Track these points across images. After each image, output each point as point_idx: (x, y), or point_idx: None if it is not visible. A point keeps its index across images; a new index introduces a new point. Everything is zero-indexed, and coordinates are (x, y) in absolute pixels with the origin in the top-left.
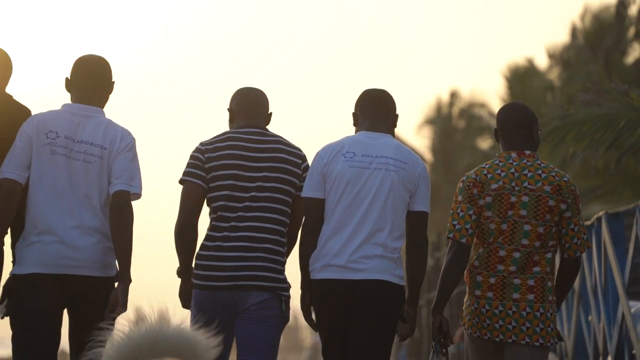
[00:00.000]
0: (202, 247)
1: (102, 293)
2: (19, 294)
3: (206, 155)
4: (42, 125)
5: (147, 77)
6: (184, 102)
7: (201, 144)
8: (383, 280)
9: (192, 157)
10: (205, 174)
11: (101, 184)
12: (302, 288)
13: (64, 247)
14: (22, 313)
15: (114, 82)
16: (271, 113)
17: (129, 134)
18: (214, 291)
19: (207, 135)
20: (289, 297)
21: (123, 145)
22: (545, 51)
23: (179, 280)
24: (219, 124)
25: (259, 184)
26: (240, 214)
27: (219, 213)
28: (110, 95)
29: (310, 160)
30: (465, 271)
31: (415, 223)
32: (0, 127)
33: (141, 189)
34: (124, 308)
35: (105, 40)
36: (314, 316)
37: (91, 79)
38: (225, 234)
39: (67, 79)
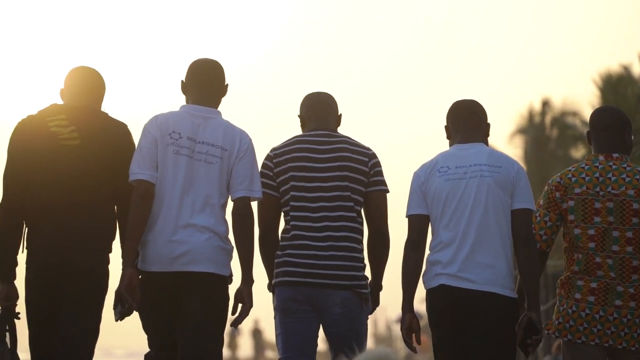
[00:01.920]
0: (281, 247)
1: (215, 289)
2: (145, 290)
3: (274, 161)
4: (165, 126)
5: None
6: (267, 106)
7: (271, 150)
8: (493, 293)
9: (263, 165)
10: (276, 180)
11: (221, 185)
12: (402, 309)
13: (177, 246)
14: (145, 306)
15: (227, 84)
16: (341, 115)
17: (247, 135)
18: (297, 287)
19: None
20: (368, 293)
21: (243, 148)
22: (638, 58)
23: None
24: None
25: (327, 184)
26: (313, 214)
27: (293, 214)
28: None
29: (381, 160)
30: (563, 277)
31: (518, 221)
32: (100, 143)
33: (261, 191)
34: (249, 308)
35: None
36: (414, 338)
37: (207, 82)
38: (302, 233)
39: (182, 81)
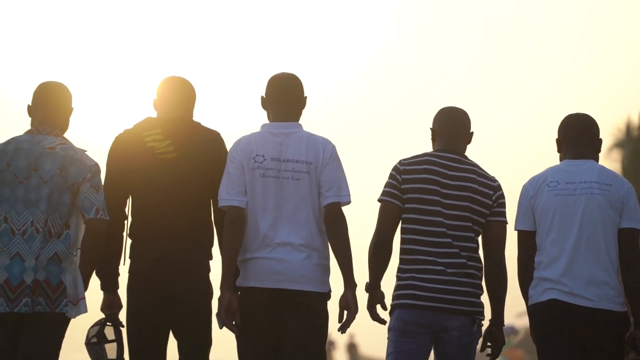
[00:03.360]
0: (402, 269)
1: (315, 307)
2: (243, 304)
3: (403, 176)
4: (248, 150)
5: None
6: (374, 120)
7: (400, 162)
8: (608, 310)
9: (390, 176)
10: (401, 194)
11: (313, 198)
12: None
13: (275, 263)
14: (243, 323)
15: (306, 97)
16: (472, 132)
17: (329, 142)
18: (420, 310)
19: (402, 154)
20: (483, 319)
21: (327, 156)
22: None
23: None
24: (413, 141)
25: (449, 211)
26: (433, 238)
27: (413, 236)
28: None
29: (505, 189)
30: None
31: (625, 241)
32: (195, 154)
33: (350, 195)
34: (354, 312)
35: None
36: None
37: (286, 96)
38: (425, 257)
39: (262, 97)
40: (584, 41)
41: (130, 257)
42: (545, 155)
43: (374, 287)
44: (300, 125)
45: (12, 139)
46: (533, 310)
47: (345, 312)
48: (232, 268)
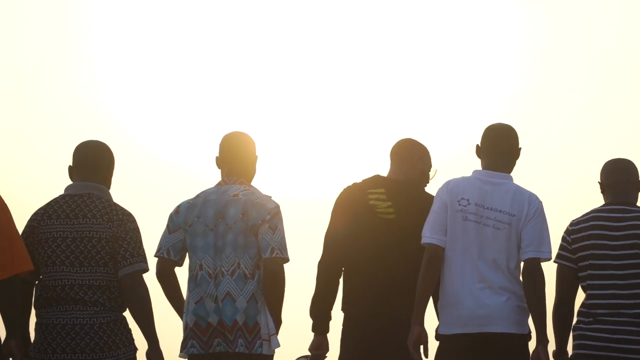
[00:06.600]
0: (579, 321)
1: (516, 349)
2: (445, 352)
3: (572, 237)
4: (454, 192)
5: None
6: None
7: (570, 223)
8: None
9: (562, 238)
10: (574, 254)
11: (510, 249)
12: None
13: (476, 307)
14: None
15: (520, 148)
16: None
17: (536, 198)
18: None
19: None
20: None
21: (532, 211)
22: None
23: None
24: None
25: (619, 262)
26: (607, 291)
27: (588, 292)
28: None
29: None
30: None
31: None
32: (412, 219)
33: (550, 252)
34: None
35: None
36: None
37: (499, 145)
38: (596, 310)
39: (477, 146)
40: None
41: (343, 310)
42: None
43: (560, 354)
44: (510, 177)
45: (201, 192)
46: None
47: None
48: (424, 302)
